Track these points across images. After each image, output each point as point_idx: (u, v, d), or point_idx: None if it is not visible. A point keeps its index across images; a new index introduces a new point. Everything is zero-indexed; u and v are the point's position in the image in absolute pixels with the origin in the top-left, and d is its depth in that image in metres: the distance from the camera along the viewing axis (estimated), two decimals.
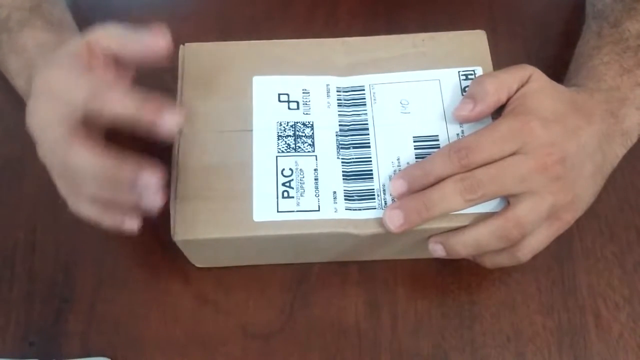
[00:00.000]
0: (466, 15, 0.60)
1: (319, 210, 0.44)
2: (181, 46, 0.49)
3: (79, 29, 0.54)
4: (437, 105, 0.48)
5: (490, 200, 0.43)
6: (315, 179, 0.45)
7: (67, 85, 0.42)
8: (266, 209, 0.44)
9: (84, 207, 0.45)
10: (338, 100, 0.48)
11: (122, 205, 0.43)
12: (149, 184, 0.40)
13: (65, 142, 0.41)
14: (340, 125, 0.47)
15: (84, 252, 0.52)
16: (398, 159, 0.46)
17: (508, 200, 0.43)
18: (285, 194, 0.45)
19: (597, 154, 0.46)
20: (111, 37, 0.43)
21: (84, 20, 0.55)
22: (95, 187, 0.42)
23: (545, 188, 0.43)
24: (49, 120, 0.42)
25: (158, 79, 0.56)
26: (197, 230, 0.44)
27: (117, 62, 0.44)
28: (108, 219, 0.45)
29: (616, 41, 0.50)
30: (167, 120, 0.40)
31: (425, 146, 0.46)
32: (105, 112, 0.41)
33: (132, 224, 0.45)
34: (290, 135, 0.47)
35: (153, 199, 0.41)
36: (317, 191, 0.45)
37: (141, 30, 0.43)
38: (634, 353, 0.48)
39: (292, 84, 0.48)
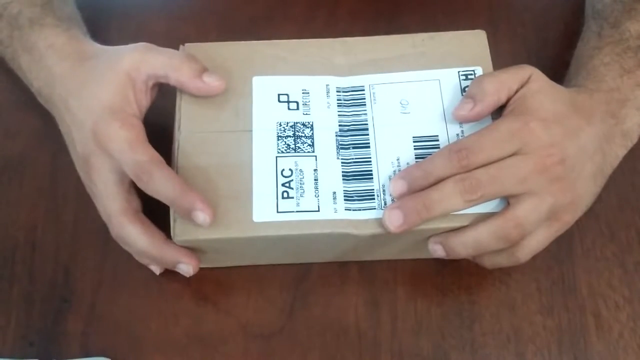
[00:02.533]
0: (466, 15, 0.60)
1: (318, 211, 0.44)
2: (181, 46, 0.49)
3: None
4: (437, 105, 0.48)
5: (490, 200, 0.43)
6: (315, 180, 0.45)
7: (119, 153, 0.44)
8: (266, 209, 0.44)
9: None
10: (338, 100, 0.48)
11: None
12: (185, 271, 0.47)
13: (118, 219, 0.46)
14: (340, 125, 0.47)
15: (84, 252, 0.52)
16: (398, 159, 0.46)
17: (508, 201, 0.43)
18: (285, 195, 0.45)
19: (597, 154, 0.46)
20: (154, 65, 0.46)
21: (86, 20, 0.55)
22: (138, 253, 0.48)
23: (545, 189, 0.43)
24: (108, 184, 0.46)
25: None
26: (197, 230, 0.44)
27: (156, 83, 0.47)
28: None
29: (616, 42, 0.50)
30: (198, 216, 0.43)
31: (425, 146, 0.46)
32: (148, 189, 0.44)
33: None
34: (290, 136, 0.47)
35: (186, 273, 0.48)
36: (316, 191, 0.45)
37: (180, 58, 0.46)
38: (634, 353, 0.48)
39: (292, 84, 0.48)
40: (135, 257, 0.49)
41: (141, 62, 0.46)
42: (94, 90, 0.46)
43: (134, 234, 0.46)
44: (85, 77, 0.47)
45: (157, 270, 0.50)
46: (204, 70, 0.47)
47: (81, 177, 0.48)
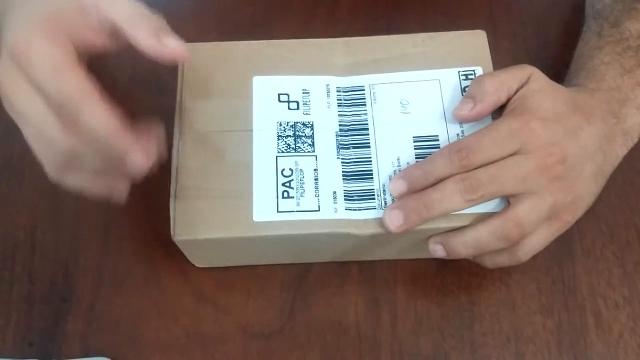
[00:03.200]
0: (466, 15, 0.60)
1: (318, 211, 0.44)
2: None
3: None
4: (437, 105, 0.48)
5: (491, 200, 0.43)
6: (315, 179, 0.45)
7: (41, 75, 0.36)
8: (266, 209, 0.44)
9: (70, 177, 0.41)
10: (338, 100, 0.48)
11: (113, 171, 0.41)
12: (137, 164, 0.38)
13: (75, 100, 0.37)
14: (340, 125, 0.47)
15: (84, 252, 0.52)
16: (398, 159, 0.46)
17: (508, 201, 0.43)
18: (285, 194, 0.45)
19: (598, 154, 0.46)
20: (114, 7, 0.39)
21: None
22: (93, 156, 0.39)
23: (545, 188, 0.43)
24: (34, 105, 0.38)
25: (158, 79, 0.57)
26: (197, 230, 0.44)
27: (111, 33, 0.40)
28: (96, 187, 0.42)
29: (616, 41, 0.50)
30: (134, 160, 0.37)
31: (425, 146, 0.46)
32: (73, 127, 0.37)
33: (121, 192, 0.42)
34: (290, 136, 0.47)
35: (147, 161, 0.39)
36: (317, 191, 0.45)
37: (143, 14, 0.39)
38: (634, 353, 0.48)
39: (292, 84, 0.48)
40: (80, 173, 0.40)
41: (101, 4, 0.39)
42: (36, 3, 0.39)
43: (94, 111, 0.37)
44: None
45: (122, 190, 0.41)
46: (166, 31, 0.39)
47: (5, 107, 0.39)
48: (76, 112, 0.37)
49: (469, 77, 0.48)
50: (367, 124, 0.47)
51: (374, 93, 0.48)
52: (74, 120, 0.37)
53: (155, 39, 0.39)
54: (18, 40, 0.37)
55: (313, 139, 0.47)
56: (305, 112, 0.47)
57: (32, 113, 0.38)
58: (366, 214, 0.44)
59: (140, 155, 0.37)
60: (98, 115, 0.37)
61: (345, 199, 0.45)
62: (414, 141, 0.46)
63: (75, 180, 0.41)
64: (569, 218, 0.45)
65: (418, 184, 0.43)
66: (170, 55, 0.39)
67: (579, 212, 0.46)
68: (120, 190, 0.42)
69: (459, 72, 0.49)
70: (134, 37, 0.39)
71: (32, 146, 0.40)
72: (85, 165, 0.40)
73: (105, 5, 0.39)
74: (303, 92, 0.48)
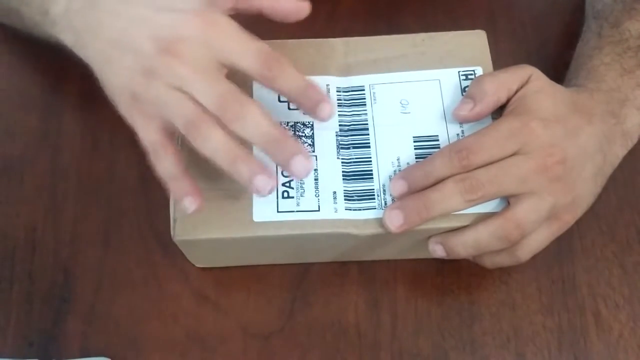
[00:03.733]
0: (466, 15, 0.60)
1: (319, 211, 0.44)
2: None
3: None
4: (437, 105, 0.48)
5: (491, 200, 0.43)
6: (315, 179, 0.45)
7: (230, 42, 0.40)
8: (266, 209, 0.44)
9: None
10: (338, 100, 0.48)
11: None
12: (301, 169, 0.40)
13: (238, 94, 0.40)
14: (340, 125, 0.47)
15: (84, 252, 0.52)
16: (398, 159, 0.46)
17: (508, 201, 0.43)
18: (285, 194, 0.45)
19: (598, 154, 0.46)
20: None
21: None
22: (237, 145, 0.41)
23: (545, 189, 0.43)
24: (210, 66, 0.41)
25: None
26: (197, 230, 0.44)
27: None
28: (243, 167, 0.41)
29: (616, 42, 0.50)
30: (323, 111, 0.41)
31: (425, 146, 0.46)
32: (276, 84, 0.40)
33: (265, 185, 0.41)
34: None
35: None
36: (317, 191, 0.45)
37: None
38: (634, 353, 0.48)
39: None
40: (223, 154, 0.40)
41: None
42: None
43: (258, 112, 0.40)
44: None
45: (197, 200, 0.41)
46: None
47: (160, 72, 0.40)
48: (275, 67, 0.40)
49: (469, 77, 0.48)
50: (367, 124, 0.47)
51: (374, 93, 0.48)
52: (270, 80, 0.40)
53: None
54: (204, 15, 0.40)
55: (313, 139, 0.47)
56: (305, 112, 0.47)
57: (207, 72, 0.40)
58: (366, 214, 0.44)
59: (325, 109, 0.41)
60: (292, 73, 0.40)
61: (345, 199, 0.45)
62: (414, 141, 0.46)
63: (217, 143, 0.41)
64: (569, 218, 0.45)
65: (418, 184, 0.43)
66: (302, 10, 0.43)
67: (579, 213, 0.46)
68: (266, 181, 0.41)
69: (459, 72, 0.49)
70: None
71: (172, 110, 0.41)
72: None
73: None
74: None
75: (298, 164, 0.40)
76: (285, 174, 0.45)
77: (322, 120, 0.41)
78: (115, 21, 0.42)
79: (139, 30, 0.41)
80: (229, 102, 0.40)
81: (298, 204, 0.45)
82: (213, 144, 0.40)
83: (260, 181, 0.40)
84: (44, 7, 0.45)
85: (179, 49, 0.40)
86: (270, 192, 0.40)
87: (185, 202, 0.41)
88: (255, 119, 0.40)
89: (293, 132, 0.47)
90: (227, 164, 0.40)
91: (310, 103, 0.41)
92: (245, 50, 0.40)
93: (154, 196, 0.53)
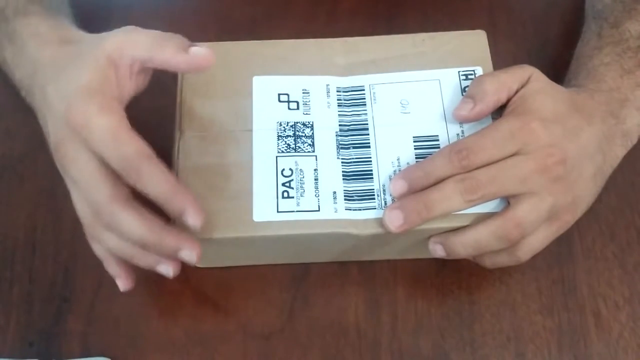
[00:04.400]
0: (466, 15, 0.60)
1: (318, 211, 0.44)
2: None
3: (79, 29, 0.53)
4: (437, 105, 0.48)
5: (491, 200, 0.43)
6: (315, 179, 0.45)
7: (100, 144, 0.40)
8: (266, 209, 0.44)
9: (107, 240, 0.44)
10: (338, 100, 0.48)
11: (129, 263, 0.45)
12: (188, 259, 0.42)
13: (108, 208, 0.40)
14: (340, 125, 0.47)
15: (84, 252, 0.51)
16: (398, 159, 0.46)
17: (508, 201, 0.43)
18: (285, 194, 0.45)
19: (598, 154, 0.46)
20: (137, 45, 0.42)
21: (84, 20, 0.55)
22: (130, 245, 0.43)
23: (545, 189, 0.43)
24: (88, 173, 0.41)
25: (158, 79, 0.57)
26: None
27: (141, 69, 0.43)
28: (112, 268, 0.45)
29: (616, 42, 0.50)
30: (188, 220, 0.40)
31: (425, 146, 0.46)
32: (137, 186, 0.40)
33: (167, 269, 0.44)
34: (290, 136, 0.47)
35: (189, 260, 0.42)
36: (317, 191, 0.45)
37: (165, 36, 0.42)
38: (634, 353, 0.48)
39: (292, 84, 0.48)
40: (121, 254, 0.44)
41: (124, 43, 0.41)
42: (72, 74, 0.42)
43: (128, 221, 0.40)
44: (65, 62, 0.43)
45: (126, 282, 0.45)
46: (190, 44, 0.42)
47: (60, 171, 0.43)
48: (137, 174, 0.39)
49: (469, 77, 0.48)
50: (367, 124, 0.47)
51: (374, 93, 0.48)
52: (134, 183, 0.40)
53: (184, 53, 0.41)
54: (75, 114, 0.40)
55: (313, 139, 0.47)
56: (305, 112, 0.47)
57: (85, 179, 0.41)
58: (366, 214, 0.44)
59: (194, 216, 0.40)
60: (156, 173, 0.40)
61: (345, 199, 0.45)
62: (414, 141, 0.46)
63: (112, 244, 0.43)
64: (569, 218, 0.45)
65: (418, 184, 0.43)
66: (202, 62, 0.42)
67: (578, 213, 0.46)
68: (166, 268, 0.44)
69: (459, 72, 0.49)
70: (164, 60, 0.41)
71: (77, 208, 0.43)
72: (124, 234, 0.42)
73: (128, 46, 0.41)
74: (303, 92, 0.48)
75: (189, 219, 0.40)
76: (285, 173, 0.45)
77: (194, 227, 0.40)
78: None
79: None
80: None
81: (298, 204, 0.45)
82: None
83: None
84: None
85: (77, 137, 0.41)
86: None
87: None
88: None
89: (293, 132, 0.47)
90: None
91: (174, 210, 0.40)
92: (110, 156, 0.40)
93: None
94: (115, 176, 0.40)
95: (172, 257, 0.43)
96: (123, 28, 0.43)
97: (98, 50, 0.41)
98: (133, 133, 0.40)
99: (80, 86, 0.40)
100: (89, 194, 0.41)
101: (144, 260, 0.44)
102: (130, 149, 0.39)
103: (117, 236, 0.42)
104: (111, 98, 0.41)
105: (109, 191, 0.40)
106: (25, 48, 0.47)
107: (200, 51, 0.41)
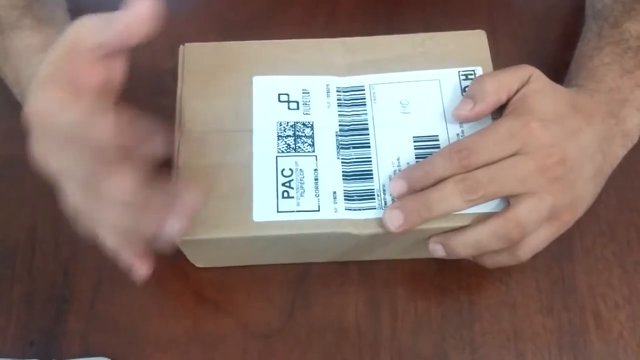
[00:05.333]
0: (466, 15, 0.60)
1: (318, 211, 0.44)
2: (181, 46, 0.49)
3: None
4: (437, 105, 0.48)
5: (491, 200, 0.43)
6: (315, 179, 0.45)
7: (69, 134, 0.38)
8: (266, 209, 0.44)
9: (105, 234, 0.43)
10: (338, 100, 0.48)
11: (139, 239, 0.42)
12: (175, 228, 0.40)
13: (95, 174, 0.38)
14: (340, 125, 0.47)
15: (84, 252, 0.52)
16: (398, 159, 0.46)
17: (508, 201, 0.43)
18: (285, 194, 0.45)
19: (597, 154, 0.46)
20: (94, 30, 0.39)
21: None
22: (122, 214, 0.40)
23: (545, 189, 0.43)
24: (64, 156, 0.39)
25: (158, 79, 0.57)
26: (197, 230, 0.44)
27: (109, 55, 0.40)
28: (125, 254, 0.44)
29: (616, 42, 0.50)
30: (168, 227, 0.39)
31: (425, 146, 0.46)
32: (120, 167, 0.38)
33: (142, 270, 0.44)
34: (290, 135, 0.47)
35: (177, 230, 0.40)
36: (317, 191, 0.45)
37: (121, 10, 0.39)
38: (634, 353, 0.48)
39: (292, 84, 0.48)
40: (127, 227, 0.41)
41: (83, 27, 0.39)
42: (39, 70, 0.40)
43: (117, 181, 0.38)
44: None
45: (142, 268, 0.44)
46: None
47: (43, 171, 0.41)
48: (112, 155, 0.38)
49: (469, 77, 0.48)
50: (367, 124, 0.47)
51: (374, 93, 0.48)
52: (114, 164, 0.38)
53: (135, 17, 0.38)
54: (36, 109, 0.39)
55: (313, 139, 0.47)
56: (305, 112, 0.47)
57: (71, 168, 0.39)
58: (366, 214, 0.44)
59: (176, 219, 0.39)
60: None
61: (345, 199, 0.45)
62: (414, 141, 0.46)
63: (114, 216, 0.41)
64: (569, 218, 0.45)
65: (418, 184, 0.43)
66: (145, 15, 0.39)
67: (579, 212, 0.46)
68: (141, 269, 0.44)
69: (459, 72, 0.49)
70: (118, 34, 0.39)
71: (70, 201, 0.41)
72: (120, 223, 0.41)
73: (83, 30, 0.39)
74: (303, 92, 0.48)
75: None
76: (285, 173, 0.45)
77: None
78: None
79: None
80: None
81: (298, 204, 0.45)
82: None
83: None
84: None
85: None
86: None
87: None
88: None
89: (293, 132, 0.47)
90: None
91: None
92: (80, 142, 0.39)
93: None
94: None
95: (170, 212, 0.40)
96: (84, 16, 0.40)
97: (61, 40, 0.39)
98: (103, 110, 0.38)
99: (36, 80, 0.39)
100: (74, 173, 0.40)
101: (150, 223, 0.40)
102: (101, 129, 0.38)
103: (115, 205, 0.40)
104: (73, 83, 0.39)
105: (90, 162, 0.38)
106: (19, 62, 0.48)
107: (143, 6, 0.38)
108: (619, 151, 0.48)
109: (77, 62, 0.39)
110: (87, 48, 0.39)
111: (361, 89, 0.48)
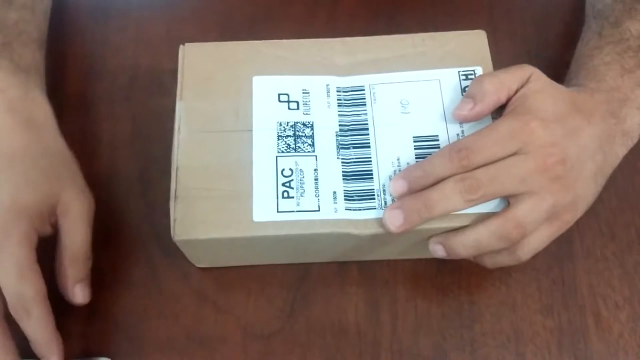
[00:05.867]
0: (466, 15, 0.60)
1: (319, 211, 0.44)
2: (181, 46, 0.49)
3: (78, 31, 0.53)
4: (437, 105, 0.48)
5: (491, 200, 0.43)
6: (315, 179, 0.45)
7: (3, 274, 0.44)
8: (266, 209, 0.44)
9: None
10: (338, 100, 0.48)
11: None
12: None
13: None
14: (340, 125, 0.47)
15: None
16: (398, 159, 0.46)
17: (508, 201, 0.43)
18: (285, 194, 0.45)
19: (598, 154, 0.46)
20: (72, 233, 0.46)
21: (84, 20, 0.55)
22: None
23: (545, 188, 0.43)
24: None
25: (158, 79, 0.57)
26: (197, 230, 0.44)
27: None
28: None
29: (617, 41, 0.50)
30: None
31: (425, 146, 0.46)
32: (21, 324, 0.44)
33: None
34: (290, 135, 0.47)
35: None
36: (317, 191, 0.45)
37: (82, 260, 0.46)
38: (634, 353, 0.48)
39: (292, 84, 0.48)
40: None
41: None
42: (16, 182, 0.45)
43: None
44: (14, 156, 0.46)
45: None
46: (86, 280, 0.48)
47: None
48: (27, 316, 0.43)
49: (469, 77, 0.48)
50: (367, 124, 0.47)
51: (374, 93, 0.48)
52: (19, 319, 0.44)
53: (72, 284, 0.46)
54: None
55: (313, 139, 0.47)
56: (305, 112, 0.47)
57: None
58: (366, 214, 0.44)
59: None
60: (43, 321, 0.44)
61: (345, 199, 0.45)
62: (414, 141, 0.46)
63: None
64: (569, 218, 0.45)
65: (418, 184, 0.43)
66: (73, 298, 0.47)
67: (579, 212, 0.46)
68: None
69: (459, 72, 0.49)
70: (63, 276, 0.46)
71: None
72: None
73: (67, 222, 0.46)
74: (303, 92, 0.48)
75: None
76: (285, 173, 0.45)
77: None
78: None
79: None
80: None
81: (298, 204, 0.45)
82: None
83: None
84: None
85: None
86: None
87: None
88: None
89: (293, 132, 0.47)
90: None
91: (40, 354, 0.45)
92: (8, 289, 0.43)
93: (154, 196, 0.53)
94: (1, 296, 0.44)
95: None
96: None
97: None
98: (37, 271, 0.44)
99: (14, 203, 0.44)
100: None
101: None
102: (30, 291, 0.43)
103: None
104: (33, 231, 0.44)
105: None
106: None
107: (79, 293, 0.47)
108: (620, 150, 0.48)
109: (47, 216, 0.46)
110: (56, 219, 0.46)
111: (361, 89, 0.48)
